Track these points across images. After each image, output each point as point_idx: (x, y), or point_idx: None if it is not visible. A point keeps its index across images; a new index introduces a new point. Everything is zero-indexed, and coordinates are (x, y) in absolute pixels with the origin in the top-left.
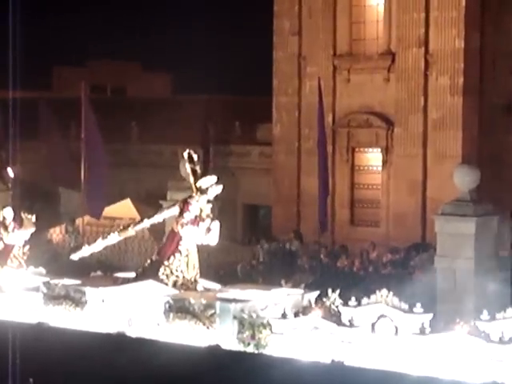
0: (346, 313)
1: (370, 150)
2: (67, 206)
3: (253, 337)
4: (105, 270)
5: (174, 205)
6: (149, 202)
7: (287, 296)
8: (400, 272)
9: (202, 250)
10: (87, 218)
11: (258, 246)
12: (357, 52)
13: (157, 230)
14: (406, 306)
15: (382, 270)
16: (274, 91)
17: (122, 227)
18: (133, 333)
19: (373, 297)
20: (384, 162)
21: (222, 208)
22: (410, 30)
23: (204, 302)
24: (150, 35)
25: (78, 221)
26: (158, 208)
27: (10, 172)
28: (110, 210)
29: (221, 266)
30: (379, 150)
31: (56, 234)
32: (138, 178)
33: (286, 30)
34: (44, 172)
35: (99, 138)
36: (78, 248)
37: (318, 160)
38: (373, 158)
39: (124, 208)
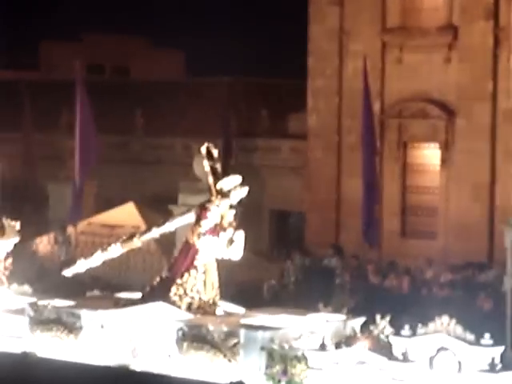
0: (399, 344)
1: (426, 145)
2: (57, 210)
3: (285, 372)
4: (102, 288)
5: (189, 211)
6: (156, 207)
7: (326, 323)
8: (461, 295)
9: (221, 265)
10: (82, 225)
11: (289, 262)
12: (411, 25)
13: (165, 242)
14: (471, 337)
15: (440, 293)
16: (309, 73)
17: (125, 237)
18: (138, 366)
19: (431, 325)
20: (443, 161)
21: (244, 215)
22: None
23: (225, 329)
24: (159, 4)
25: (70, 229)
26: (167, 214)
27: None
28: (108, 216)
29: (243, 286)
30: (437, 145)
31: (43, 244)
32: (143, 178)
33: None
34: (28, 168)
35: (93, 129)
36: (69, 262)
37: (362, 157)
38: (429, 155)
39: (126, 214)
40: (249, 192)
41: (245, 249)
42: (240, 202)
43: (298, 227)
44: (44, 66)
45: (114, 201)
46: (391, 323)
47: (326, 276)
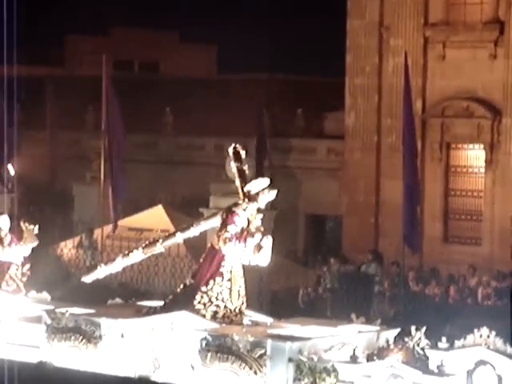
0: (435, 357)
1: (471, 146)
2: (83, 213)
3: None
4: (128, 295)
5: (215, 214)
6: (186, 210)
7: (358, 334)
8: (507, 304)
9: (252, 271)
10: (108, 228)
11: (325, 268)
12: (455, 20)
13: (196, 246)
14: None
15: (484, 302)
16: (347, 70)
17: (147, 242)
18: (159, 377)
19: (469, 337)
20: (488, 162)
21: (279, 219)
22: None
23: (251, 339)
24: None
25: (97, 232)
26: (197, 217)
27: (11, 170)
28: (137, 219)
29: (278, 293)
30: (482, 146)
31: (68, 248)
32: (173, 179)
33: None
34: (53, 168)
35: (121, 128)
36: (94, 267)
37: (403, 159)
38: (474, 156)
39: (155, 217)
40: (283, 195)
41: (278, 254)
42: (272, 206)
43: (335, 232)
44: (69, 62)
45: (142, 203)
46: (429, 334)
47: (363, 283)
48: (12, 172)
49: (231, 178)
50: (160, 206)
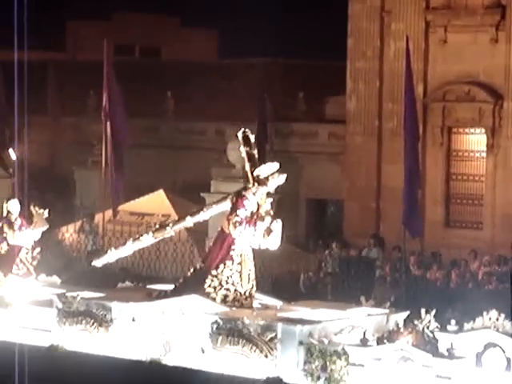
0: (444, 340)
1: (472, 130)
2: (84, 197)
3: (324, 368)
4: (130, 280)
5: (224, 199)
6: (187, 195)
7: (368, 317)
8: (508, 288)
9: (256, 256)
10: (109, 213)
11: (326, 253)
12: (456, 4)
13: (197, 230)
14: None
15: (486, 286)
16: (348, 54)
17: (158, 226)
18: (170, 360)
19: (478, 320)
20: (489, 147)
21: (280, 203)
22: None
23: (262, 322)
24: None
25: (98, 217)
26: (199, 202)
27: (12, 154)
28: (138, 204)
29: (279, 277)
30: (483, 130)
31: (69, 233)
32: (174, 164)
33: None
34: (55, 153)
35: (124, 113)
36: (97, 252)
37: (404, 143)
38: (475, 140)
39: (156, 201)
40: (285, 179)
41: (282, 239)
42: (275, 191)
43: (336, 216)
44: (71, 47)
45: (143, 188)
46: (436, 318)
47: (364, 268)
48: (14, 157)
49: (233, 162)
50: (161, 191)
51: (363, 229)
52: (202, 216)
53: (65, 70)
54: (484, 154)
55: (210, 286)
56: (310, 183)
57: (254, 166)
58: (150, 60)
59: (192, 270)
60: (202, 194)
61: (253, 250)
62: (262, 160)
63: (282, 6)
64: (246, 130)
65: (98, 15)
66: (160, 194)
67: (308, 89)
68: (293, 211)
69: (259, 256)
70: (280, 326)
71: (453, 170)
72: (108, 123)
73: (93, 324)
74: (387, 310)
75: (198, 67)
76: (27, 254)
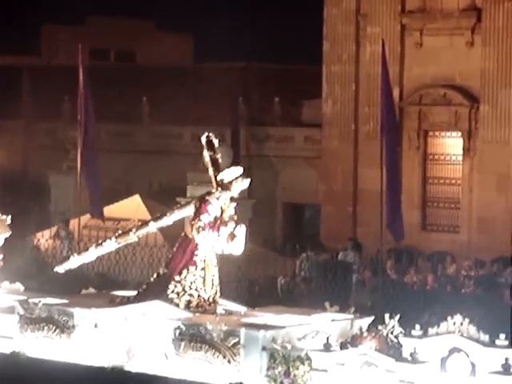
0: (408, 345)
1: (448, 134)
2: (59, 203)
3: (287, 374)
4: (105, 285)
5: (188, 203)
6: (163, 199)
7: (332, 322)
8: (485, 292)
9: (230, 261)
10: (85, 218)
11: (303, 257)
12: (432, 8)
13: (173, 236)
14: (486, 338)
15: (462, 289)
16: (324, 58)
17: (121, 232)
18: (133, 367)
19: (443, 325)
20: (466, 150)
21: (256, 208)
22: None
23: (225, 328)
24: None
25: (73, 222)
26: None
27: None
28: (113, 209)
29: (256, 282)
30: (459, 134)
31: (45, 239)
32: (150, 169)
33: None
34: (29, 158)
35: (92, 118)
36: (67, 258)
37: (382, 147)
38: (451, 144)
39: (132, 206)
40: (261, 184)
41: (257, 244)
42: (252, 195)
43: (313, 220)
44: (45, 51)
45: (119, 193)
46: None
47: (341, 272)
48: None
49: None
50: (137, 196)
51: (340, 233)
52: (166, 221)
53: (39, 75)
54: (460, 158)
55: (173, 291)
56: (286, 187)
57: (217, 171)
58: (125, 64)
59: (155, 275)
60: (177, 199)
61: (225, 255)
62: (237, 164)
63: (256, 10)
64: (210, 134)
65: (73, 19)
66: (136, 199)
67: (284, 93)
68: (269, 215)
69: (236, 261)
70: (243, 331)
71: (429, 173)
72: (82, 129)
73: (55, 330)
74: (352, 316)
75: (173, 71)
76: None
